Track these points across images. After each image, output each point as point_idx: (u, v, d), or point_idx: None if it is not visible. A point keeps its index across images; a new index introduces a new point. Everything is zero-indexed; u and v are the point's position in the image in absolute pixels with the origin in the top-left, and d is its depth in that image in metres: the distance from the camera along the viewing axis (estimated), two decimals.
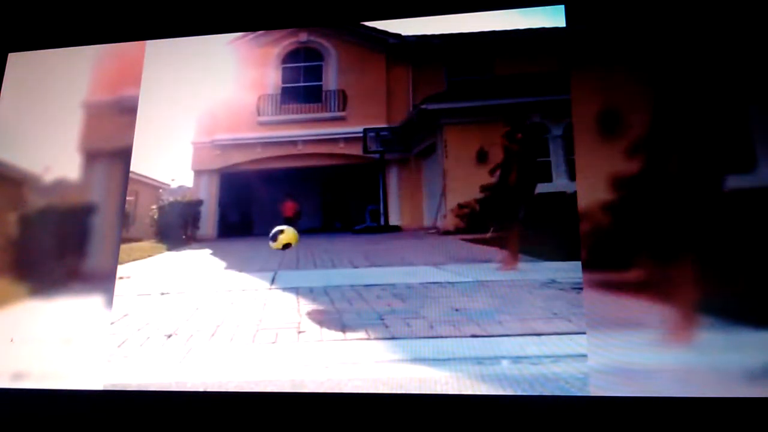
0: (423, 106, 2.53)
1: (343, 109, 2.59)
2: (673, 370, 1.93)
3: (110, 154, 2.58)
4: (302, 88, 2.66)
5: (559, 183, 2.27)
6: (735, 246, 2.03)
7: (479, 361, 2.03)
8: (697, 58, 2.21)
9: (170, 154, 2.59)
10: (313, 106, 2.63)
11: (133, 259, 2.46)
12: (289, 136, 2.59)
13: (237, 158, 2.60)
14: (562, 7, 2.35)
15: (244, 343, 2.21)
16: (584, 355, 1.98)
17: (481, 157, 2.37)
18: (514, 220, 2.27)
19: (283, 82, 2.64)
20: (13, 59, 2.76)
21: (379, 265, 2.34)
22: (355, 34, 2.61)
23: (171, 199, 2.57)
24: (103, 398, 2.24)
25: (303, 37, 2.66)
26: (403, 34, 2.54)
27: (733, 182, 2.10)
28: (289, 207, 2.58)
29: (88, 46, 2.72)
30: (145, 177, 2.57)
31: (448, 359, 2.05)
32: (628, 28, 2.28)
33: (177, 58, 2.64)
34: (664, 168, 2.14)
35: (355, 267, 2.36)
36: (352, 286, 2.29)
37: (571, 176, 2.21)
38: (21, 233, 2.55)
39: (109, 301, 2.38)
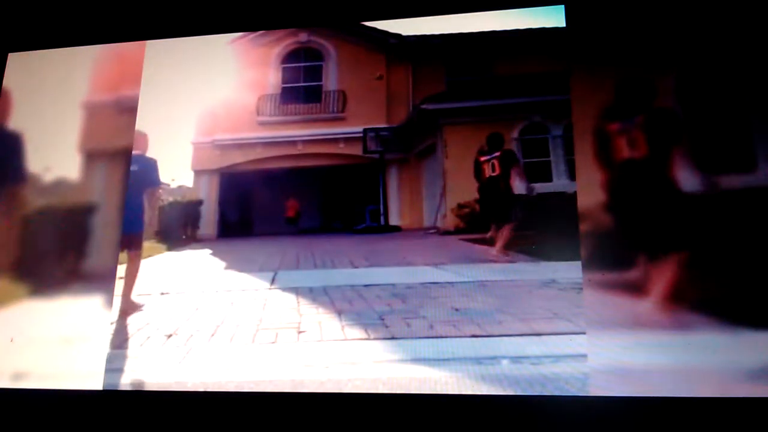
0: (423, 106, 2.53)
1: (343, 110, 2.59)
2: (673, 370, 1.93)
3: (110, 154, 2.58)
4: (302, 88, 2.66)
5: (559, 183, 2.27)
6: (735, 246, 2.02)
7: (479, 361, 2.03)
8: (697, 58, 2.21)
9: (170, 154, 2.59)
10: (313, 106, 2.63)
11: None
12: (289, 136, 2.59)
13: (237, 158, 2.60)
14: (562, 7, 2.35)
15: (244, 343, 2.21)
16: (584, 355, 1.98)
17: None
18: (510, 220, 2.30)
19: (283, 82, 2.64)
20: (13, 59, 2.76)
21: (379, 265, 2.34)
22: (355, 34, 2.61)
23: (171, 199, 2.57)
24: (103, 398, 2.24)
25: (303, 37, 2.66)
26: (403, 34, 2.54)
27: (733, 182, 2.10)
28: (291, 206, 2.58)
29: (88, 46, 2.72)
30: None
31: (448, 359, 2.05)
32: (628, 28, 2.28)
33: (177, 58, 2.64)
34: (664, 167, 2.14)
35: (355, 267, 2.36)
36: (352, 286, 2.28)
37: (571, 176, 2.21)
38: (21, 233, 2.55)
39: (109, 301, 2.38)
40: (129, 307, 2.36)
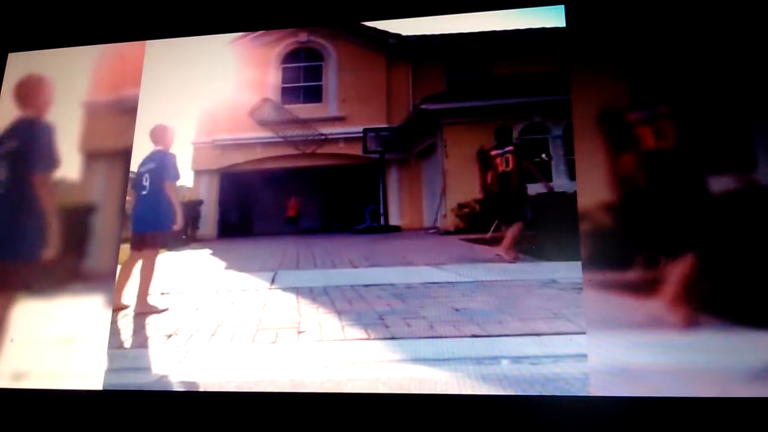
0: (423, 106, 2.53)
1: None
2: (673, 370, 1.93)
3: (110, 154, 2.58)
4: (302, 88, 2.66)
5: (559, 183, 2.27)
6: (734, 246, 2.03)
7: (479, 361, 2.03)
8: (697, 58, 2.21)
9: None
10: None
11: None
12: (289, 136, 2.59)
13: (237, 158, 2.60)
14: (562, 7, 2.35)
15: (244, 343, 2.21)
16: (584, 355, 1.98)
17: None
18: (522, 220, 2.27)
19: (283, 82, 2.64)
20: (13, 59, 2.76)
21: (379, 265, 2.34)
22: (355, 34, 2.61)
23: None
24: (103, 398, 2.24)
25: (303, 37, 2.66)
26: (403, 34, 2.54)
27: (733, 182, 2.10)
28: (292, 205, 2.58)
29: (88, 46, 2.72)
30: None
31: (448, 359, 2.05)
32: (628, 28, 2.28)
33: (177, 58, 2.64)
34: (664, 167, 2.14)
35: (355, 267, 2.36)
36: (352, 286, 2.28)
37: (571, 176, 2.21)
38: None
39: (109, 301, 2.38)
40: (146, 310, 2.36)
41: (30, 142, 2.62)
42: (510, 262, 2.20)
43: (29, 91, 2.69)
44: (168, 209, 2.52)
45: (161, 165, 2.55)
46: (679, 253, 2.05)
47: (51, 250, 2.48)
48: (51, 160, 2.58)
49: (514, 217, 2.26)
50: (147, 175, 2.53)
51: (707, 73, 2.20)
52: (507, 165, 2.28)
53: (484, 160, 2.31)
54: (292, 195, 2.59)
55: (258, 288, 2.34)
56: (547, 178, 2.30)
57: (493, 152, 2.31)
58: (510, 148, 2.30)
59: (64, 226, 2.51)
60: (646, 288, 2.04)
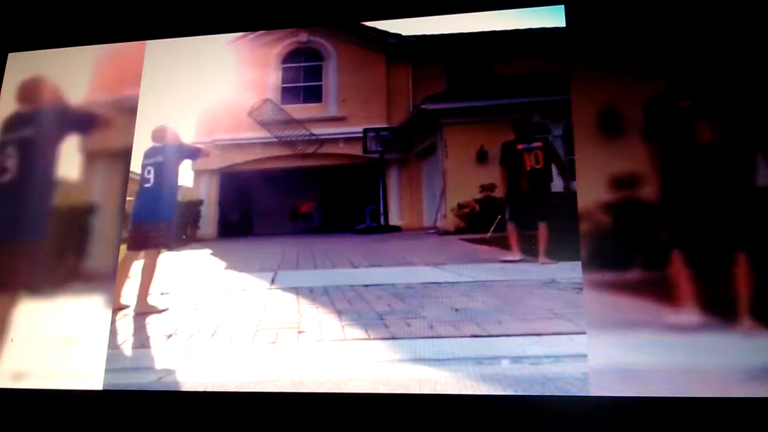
0: (423, 106, 2.53)
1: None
2: (673, 370, 1.93)
3: (110, 154, 2.58)
4: (302, 88, 2.66)
5: (559, 183, 2.27)
6: (733, 245, 2.03)
7: (479, 361, 2.03)
8: (697, 58, 2.21)
9: None
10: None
11: None
12: (289, 136, 2.59)
13: (237, 158, 2.60)
14: (562, 7, 2.35)
15: (244, 343, 2.21)
16: (584, 355, 1.98)
17: (481, 157, 2.37)
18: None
19: (283, 82, 2.64)
20: (13, 59, 2.76)
21: (379, 265, 2.34)
22: (355, 34, 2.61)
23: None
24: (103, 398, 2.24)
25: (303, 37, 2.66)
26: (403, 34, 2.54)
27: (733, 182, 2.10)
28: (306, 205, 2.59)
29: (88, 46, 2.72)
30: None
31: (448, 359, 2.05)
32: (628, 28, 2.28)
33: (177, 58, 2.64)
34: (663, 167, 2.15)
35: (355, 267, 2.36)
36: (352, 286, 2.28)
37: (571, 176, 2.21)
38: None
39: (109, 301, 2.38)
40: (146, 310, 2.36)
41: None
42: (552, 263, 2.13)
43: (36, 91, 2.69)
44: (170, 202, 2.52)
45: (175, 156, 2.55)
46: (678, 252, 2.05)
47: (51, 243, 2.48)
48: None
49: (541, 217, 2.20)
50: (150, 168, 2.52)
51: (708, 70, 2.20)
52: (537, 162, 2.16)
53: (510, 155, 2.16)
54: (306, 197, 2.60)
55: (258, 288, 2.34)
56: (550, 178, 2.30)
57: (519, 146, 2.16)
58: (539, 144, 2.20)
59: (64, 226, 2.52)
60: (646, 288, 2.04)
